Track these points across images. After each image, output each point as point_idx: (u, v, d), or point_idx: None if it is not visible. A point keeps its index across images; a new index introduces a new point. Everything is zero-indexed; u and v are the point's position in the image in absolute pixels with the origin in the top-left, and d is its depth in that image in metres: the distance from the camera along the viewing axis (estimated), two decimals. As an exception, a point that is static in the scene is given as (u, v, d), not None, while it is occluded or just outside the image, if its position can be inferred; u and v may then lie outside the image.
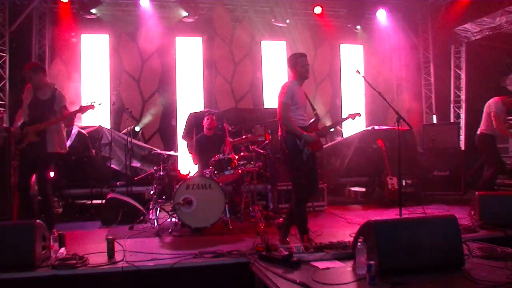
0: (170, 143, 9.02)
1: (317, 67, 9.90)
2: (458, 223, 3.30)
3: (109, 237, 3.88)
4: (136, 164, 7.38)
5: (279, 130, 4.38)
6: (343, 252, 3.54)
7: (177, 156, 7.37)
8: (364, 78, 4.95)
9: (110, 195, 6.12)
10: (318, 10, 9.39)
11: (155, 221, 5.39)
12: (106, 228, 5.56)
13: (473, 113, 8.10)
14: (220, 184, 5.33)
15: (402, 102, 10.26)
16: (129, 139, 6.78)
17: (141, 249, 4.14)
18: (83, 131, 7.01)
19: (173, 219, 5.32)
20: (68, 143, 6.21)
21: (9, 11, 8.22)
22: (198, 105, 9.37)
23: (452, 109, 10.03)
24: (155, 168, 6.02)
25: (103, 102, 4.96)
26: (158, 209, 5.56)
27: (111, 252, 3.78)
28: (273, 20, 9.58)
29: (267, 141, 6.12)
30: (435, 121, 10.08)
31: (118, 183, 7.16)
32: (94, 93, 8.82)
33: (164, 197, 5.80)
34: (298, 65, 4.37)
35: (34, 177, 4.93)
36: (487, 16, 8.46)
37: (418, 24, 10.43)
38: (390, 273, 2.96)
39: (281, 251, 3.54)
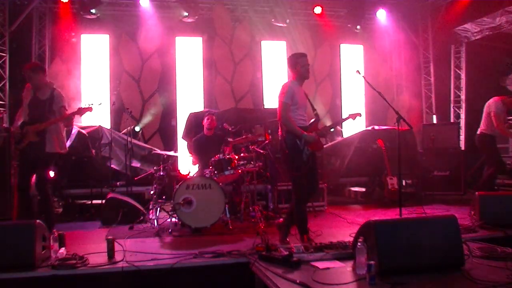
0: (170, 143, 9.01)
1: (317, 67, 9.89)
2: (458, 223, 3.30)
3: (109, 237, 3.88)
4: (136, 164, 7.38)
5: (279, 130, 4.37)
6: (343, 252, 3.54)
7: (177, 156, 7.38)
8: (364, 78, 4.94)
9: (110, 195, 6.11)
10: (318, 10, 9.39)
11: (155, 221, 5.39)
12: (106, 228, 5.56)
13: (473, 113, 8.10)
14: (220, 184, 5.32)
15: (402, 102, 10.26)
16: (129, 139, 6.78)
17: (141, 249, 4.14)
18: (83, 131, 7.01)
19: (173, 219, 5.32)
20: (68, 143, 6.21)
21: (9, 11, 8.22)
22: (198, 105, 9.37)
23: (452, 109, 10.04)
24: (155, 168, 6.01)
25: (103, 102, 4.97)
26: (158, 209, 5.55)
27: (111, 252, 3.78)
28: (273, 20, 9.57)
29: (267, 141, 6.12)
30: (435, 121, 10.07)
31: (118, 183, 7.15)
32: (94, 93, 8.83)
33: (164, 197, 5.79)
34: (298, 65, 4.37)
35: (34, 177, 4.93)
36: (487, 16, 8.46)
37: (418, 24, 10.42)
38: (390, 273, 2.96)
39: (281, 251, 3.54)
